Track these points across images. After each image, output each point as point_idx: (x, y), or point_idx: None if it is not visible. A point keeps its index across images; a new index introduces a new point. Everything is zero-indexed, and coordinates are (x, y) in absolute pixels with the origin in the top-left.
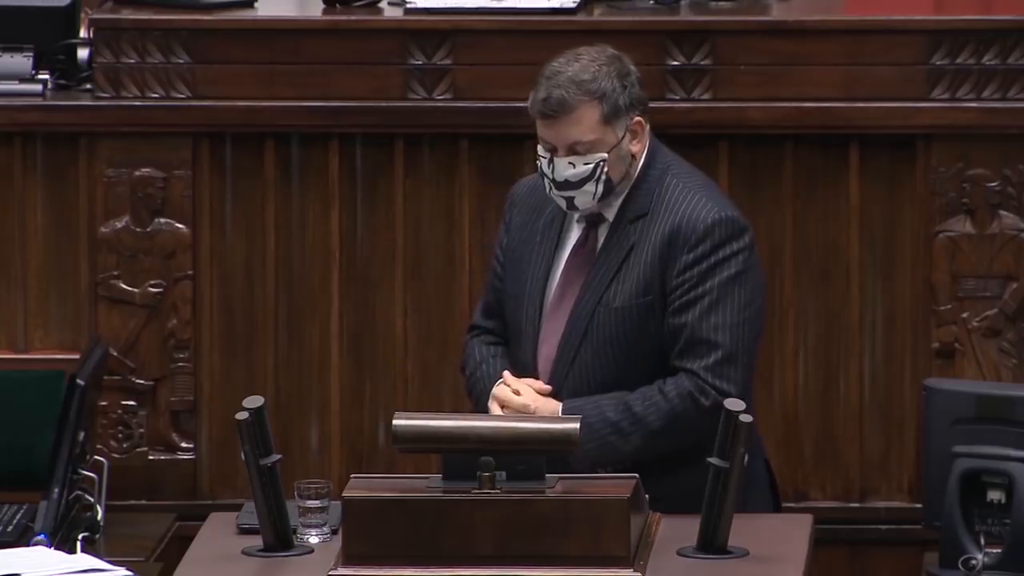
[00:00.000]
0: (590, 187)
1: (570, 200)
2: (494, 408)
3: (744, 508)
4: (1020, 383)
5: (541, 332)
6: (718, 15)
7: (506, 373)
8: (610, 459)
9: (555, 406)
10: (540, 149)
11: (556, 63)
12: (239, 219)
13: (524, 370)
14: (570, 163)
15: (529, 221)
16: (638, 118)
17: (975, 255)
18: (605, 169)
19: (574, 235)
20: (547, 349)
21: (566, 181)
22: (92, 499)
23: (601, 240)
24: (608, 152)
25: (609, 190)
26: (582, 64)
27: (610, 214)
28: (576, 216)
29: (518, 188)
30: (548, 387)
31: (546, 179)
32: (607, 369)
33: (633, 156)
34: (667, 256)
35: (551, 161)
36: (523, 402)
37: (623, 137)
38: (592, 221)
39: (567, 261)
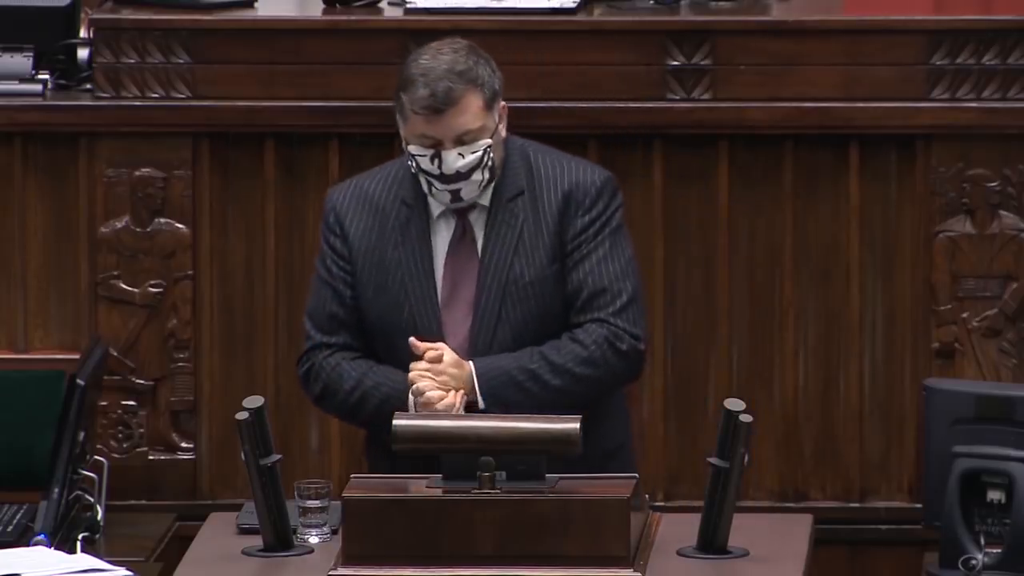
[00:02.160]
0: (478, 176)
1: (456, 193)
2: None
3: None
4: (1020, 383)
5: (443, 328)
6: (718, 15)
7: (425, 345)
8: (526, 407)
9: (467, 369)
10: (414, 148)
11: (422, 60)
12: (239, 219)
13: None
14: (459, 154)
15: (372, 226)
16: (503, 103)
17: (975, 255)
18: (491, 155)
19: (442, 229)
20: (455, 342)
21: (457, 173)
22: (92, 499)
23: (480, 226)
24: (491, 137)
25: (493, 176)
26: (451, 56)
27: (484, 199)
28: (437, 213)
29: (338, 197)
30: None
31: (426, 176)
32: (529, 343)
33: (503, 140)
34: (563, 220)
35: (436, 156)
36: (448, 399)
37: (499, 122)
38: (461, 211)
39: (448, 256)
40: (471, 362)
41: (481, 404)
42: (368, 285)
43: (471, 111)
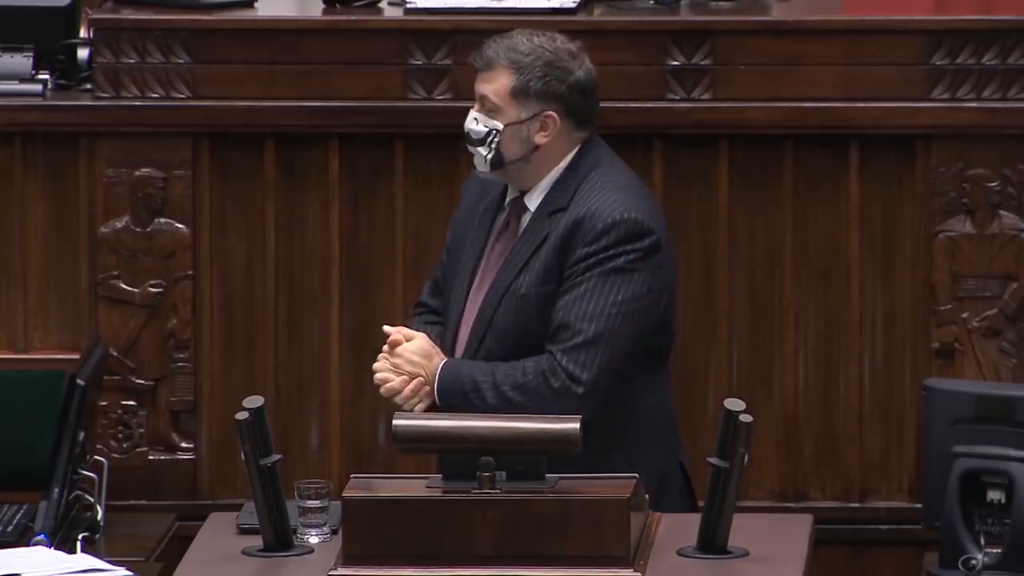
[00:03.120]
0: (483, 150)
1: (473, 158)
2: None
3: (657, 509)
4: (1020, 383)
5: (463, 315)
6: (718, 15)
7: (389, 329)
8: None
9: (435, 364)
10: None
11: (522, 30)
12: (239, 219)
13: (450, 353)
14: (475, 118)
15: (473, 205)
16: (551, 113)
17: (975, 255)
18: (497, 139)
19: (501, 223)
20: (463, 332)
21: (467, 134)
22: (92, 499)
23: (521, 229)
24: (505, 125)
25: (498, 162)
26: (531, 40)
27: (533, 205)
28: (506, 201)
29: (474, 173)
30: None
31: None
32: (509, 355)
33: (536, 147)
34: (567, 247)
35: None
36: (392, 383)
37: (527, 120)
38: (517, 209)
39: (491, 247)
40: (443, 361)
41: (437, 401)
42: (451, 259)
43: (495, 86)
